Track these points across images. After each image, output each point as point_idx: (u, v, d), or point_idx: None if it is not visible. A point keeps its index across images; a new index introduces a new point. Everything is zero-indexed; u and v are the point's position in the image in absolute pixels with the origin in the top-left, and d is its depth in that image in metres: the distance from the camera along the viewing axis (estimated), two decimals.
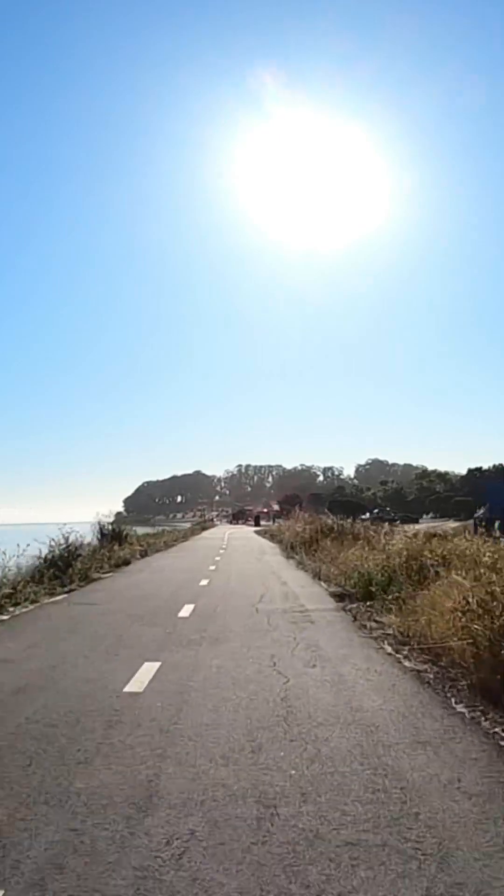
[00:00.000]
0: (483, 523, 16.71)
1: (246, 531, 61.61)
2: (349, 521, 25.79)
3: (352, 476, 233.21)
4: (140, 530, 38.75)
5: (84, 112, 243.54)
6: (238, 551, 27.70)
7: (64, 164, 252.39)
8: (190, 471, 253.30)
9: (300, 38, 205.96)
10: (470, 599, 5.96)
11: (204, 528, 67.08)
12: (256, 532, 55.35)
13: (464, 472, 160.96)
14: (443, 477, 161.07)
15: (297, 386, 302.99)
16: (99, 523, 28.64)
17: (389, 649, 7.03)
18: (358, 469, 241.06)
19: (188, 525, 80.00)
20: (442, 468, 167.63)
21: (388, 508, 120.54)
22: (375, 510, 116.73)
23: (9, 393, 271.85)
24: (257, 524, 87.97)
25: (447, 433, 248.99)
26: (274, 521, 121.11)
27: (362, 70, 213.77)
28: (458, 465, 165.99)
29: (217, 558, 23.31)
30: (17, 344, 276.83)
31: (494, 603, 5.62)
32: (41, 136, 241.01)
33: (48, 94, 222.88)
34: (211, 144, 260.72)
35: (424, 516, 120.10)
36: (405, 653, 6.71)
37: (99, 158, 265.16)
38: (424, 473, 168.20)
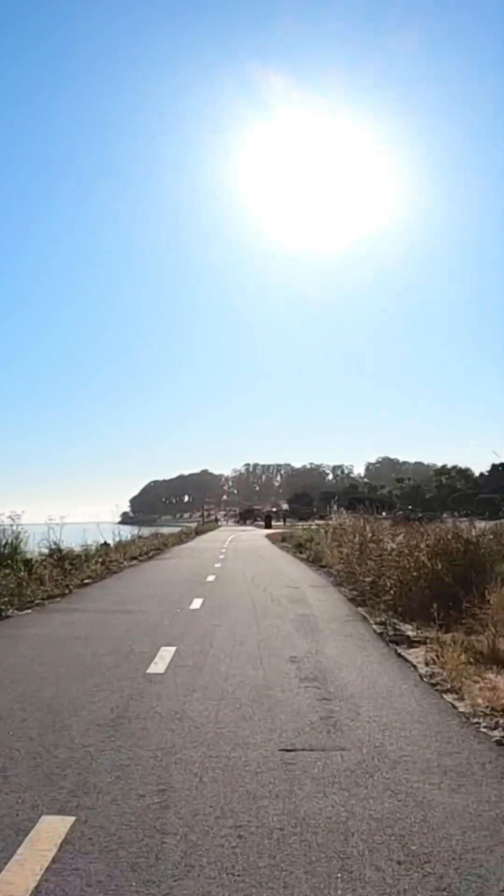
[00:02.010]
0: None
1: (255, 536, 44.82)
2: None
3: (362, 474, 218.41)
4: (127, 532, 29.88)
5: (84, 112, 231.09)
6: (236, 608, 10.44)
7: (64, 164, 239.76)
8: (197, 470, 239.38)
9: (307, 38, 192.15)
10: None
11: (200, 532, 49.77)
12: (269, 537, 38.81)
13: (479, 469, 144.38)
14: (463, 473, 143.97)
15: (304, 384, 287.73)
16: None
17: None
18: (368, 467, 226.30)
19: (187, 526, 63.29)
20: (454, 465, 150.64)
21: (410, 507, 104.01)
22: (397, 509, 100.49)
23: (9, 393, 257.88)
24: (268, 525, 70.81)
25: (455, 431, 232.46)
26: (285, 522, 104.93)
27: (367, 71, 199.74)
28: (470, 463, 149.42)
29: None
30: (17, 344, 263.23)
31: None
32: (41, 136, 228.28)
33: (48, 94, 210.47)
34: (214, 144, 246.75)
35: (444, 515, 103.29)
36: None
37: (99, 158, 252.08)
38: (443, 470, 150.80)
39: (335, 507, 27.62)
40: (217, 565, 18.33)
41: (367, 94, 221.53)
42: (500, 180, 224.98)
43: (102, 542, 25.99)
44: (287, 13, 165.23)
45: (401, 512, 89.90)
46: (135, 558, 21.67)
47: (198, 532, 48.08)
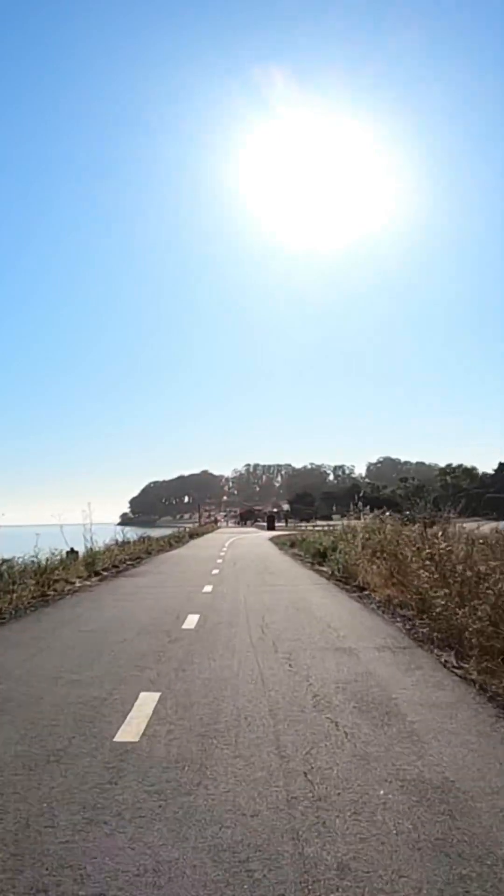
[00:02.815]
0: None
1: (258, 540, 38.62)
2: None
3: (363, 475, 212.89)
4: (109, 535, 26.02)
5: (85, 112, 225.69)
6: (234, 736, 4.53)
7: (64, 164, 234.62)
8: (197, 470, 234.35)
9: (307, 38, 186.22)
10: None
11: (196, 535, 43.25)
12: (274, 542, 32.67)
13: (483, 468, 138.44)
14: (469, 472, 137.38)
15: (304, 384, 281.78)
16: None
17: None
18: (369, 467, 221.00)
19: (183, 528, 57.13)
20: (460, 464, 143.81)
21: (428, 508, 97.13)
22: (415, 509, 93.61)
23: (9, 393, 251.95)
24: (271, 527, 64.42)
25: (456, 431, 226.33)
26: (287, 523, 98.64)
27: (367, 70, 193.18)
28: (472, 462, 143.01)
29: None
30: (17, 344, 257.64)
31: None
32: (41, 136, 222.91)
33: (48, 94, 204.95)
34: (214, 144, 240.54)
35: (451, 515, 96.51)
36: None
37: (99, 158, 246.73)
38: (449, 469, 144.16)
39: (360, 506, 21.66)
40: (206, 589, 12.18)
41: (368, 94, 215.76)
42: (501, 180, 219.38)
43: (69, 549, 20.52)
44: (287, 13, 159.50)
45: (408, 512, 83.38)
46: (97, 574, 15.61)
47: (192, 535, 41.60)
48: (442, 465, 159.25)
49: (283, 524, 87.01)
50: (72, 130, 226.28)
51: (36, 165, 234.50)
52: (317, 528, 61.44)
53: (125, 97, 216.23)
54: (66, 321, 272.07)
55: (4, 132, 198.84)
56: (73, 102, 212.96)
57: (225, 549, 26.58)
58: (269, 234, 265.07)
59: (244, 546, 30.58)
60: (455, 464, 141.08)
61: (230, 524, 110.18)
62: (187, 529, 48.30)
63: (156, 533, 42.41)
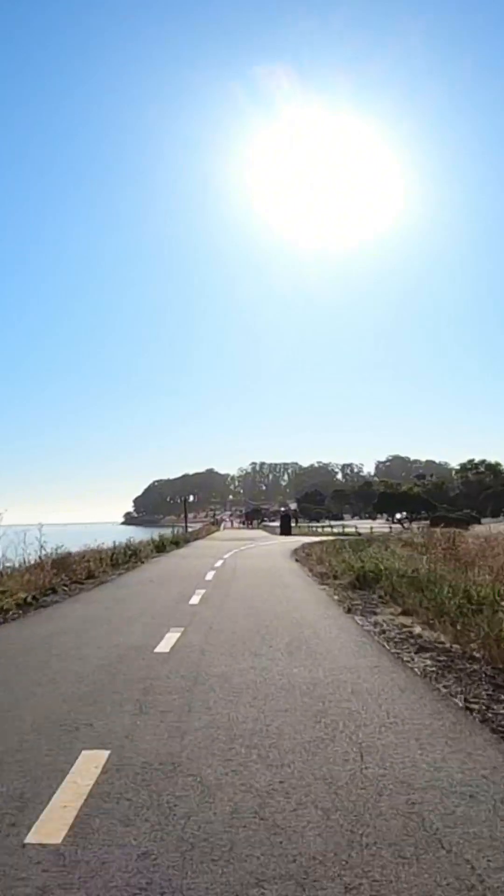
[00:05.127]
0: None
1: (271, 554, 22.63)
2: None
3: (372, 473, 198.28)
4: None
5: (86, 112, 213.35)
6: None
7: (67, 166, 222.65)
8: (202, 469, 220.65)
9: (311, 37, 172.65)
10: None
11: (163, 548, 25.95)
12: (300, 559, 17.52)
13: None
14: (493, 468, 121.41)
15: (309, 383, 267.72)
16: None
17: None
18: (378, 466, 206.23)
19: (169, 531, 41.72)
20: (483, 460, 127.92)
21: (468, 510, 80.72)
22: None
23: (13, 392, 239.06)
24: (286, 531, 47.92)
25: (462, 430, 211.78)
26: (297, 523, 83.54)
27: (373, 68, 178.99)
28: (485, 458, 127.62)
29: None
30: (23, 343, 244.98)
31: None
32: (43, 137, 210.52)
33: (50, 95, 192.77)
34: (220, 144, 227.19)
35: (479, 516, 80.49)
36: None
37: (102, 159, 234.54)
38: (470, 465, 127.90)
39: None
40: None
41: (377, 92, 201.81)
42: None
43: None
44: (290, 12, 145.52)
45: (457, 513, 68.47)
46: None
47: (162, 547, 24.86)
48: (452, 463, 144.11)
49: (294, 524, 71.88)
50: (73, 132, 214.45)
51: (38, 167, 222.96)
52: (333, 531, 46.19)
53: (127, 97, 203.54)
54: (70, 321, 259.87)
55: (5, 133, 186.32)
56: (74, 103, 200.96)
57: (196, 598, 11.19)
58: (274, 234, 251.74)
59: (245, 585, 15.19)
60: (477, 460, 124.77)
61: (235, 524, 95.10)
62: (173, 534, 32.89)
63: (140, 536, 27.41)
